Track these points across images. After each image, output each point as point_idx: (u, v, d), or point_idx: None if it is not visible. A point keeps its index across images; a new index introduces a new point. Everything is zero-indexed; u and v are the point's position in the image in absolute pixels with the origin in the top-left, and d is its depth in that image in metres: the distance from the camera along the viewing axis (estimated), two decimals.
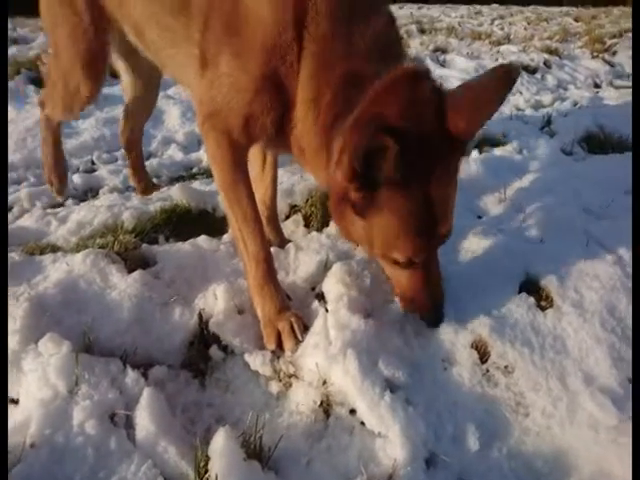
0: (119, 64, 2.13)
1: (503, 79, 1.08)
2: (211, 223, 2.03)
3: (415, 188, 1.13)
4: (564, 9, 17.61)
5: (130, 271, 1.52)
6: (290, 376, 1.28)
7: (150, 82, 2.20)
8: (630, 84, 5.48)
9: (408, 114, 1.10)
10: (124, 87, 2.24)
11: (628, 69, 6.26)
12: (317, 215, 2.07)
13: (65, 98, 1.93)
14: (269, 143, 1.46)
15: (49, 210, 2.12)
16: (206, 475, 0.97)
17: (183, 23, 1.48)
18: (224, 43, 1.30)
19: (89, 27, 1.76)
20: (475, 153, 2.82)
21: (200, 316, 1.41)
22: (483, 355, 1.29)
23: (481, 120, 1.13)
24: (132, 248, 1.67)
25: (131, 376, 1.20)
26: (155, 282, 1.51)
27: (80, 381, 1.14)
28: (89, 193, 2.34)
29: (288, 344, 1.33)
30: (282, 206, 2.12)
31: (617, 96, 4.73)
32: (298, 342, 1.33)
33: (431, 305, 1.31)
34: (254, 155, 1.83)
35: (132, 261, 1.59)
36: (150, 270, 1.57)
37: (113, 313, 1.37)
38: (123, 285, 1.45)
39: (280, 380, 1.28)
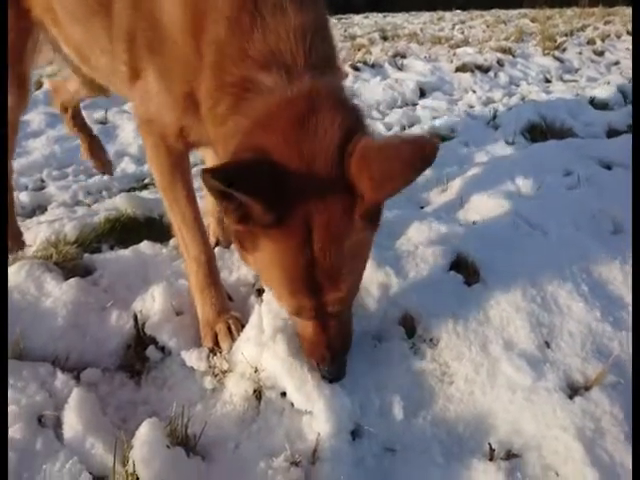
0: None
1: (421, 157, 0.89)
2: (157, 230, 2.05)
3: (293, 239, 0.96)
4: (522, 11, 18.18)
5: (67, 280, 1.53)
6: (224, 371, 1.30)
7: None
8: (577, 78, 5.71)
9: (288, 149, 0.93)
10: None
11: (576, 64, 6.52)
12: None
13: None
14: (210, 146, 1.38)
15: None
16: (128, 464, 0.98)
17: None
18: (149, 61, 1.27)
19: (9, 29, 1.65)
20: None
21: (136, 318, 1.42)
22: (410, 330, 1.33)
23: (391, 189, 0.93)
24: (72, 258, 1.67)
25: (61, 379, 1.20)
26: (92, 288, 1.52)
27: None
28: (37, 210, 2.33)
29: (224, 344, 1.35)
30: None
31: (565, 89, 4.93)
32: (234, 341, 1.35)
33: (326, 358, 1.12)
34: (207, 157, 1.84)
35: (71, 270, 1.60)
36: (88, 278, 1.58)
37: (46, 320, 1.37)
38: (58, 293, 1.45)
39: (215, 375, 1.30)
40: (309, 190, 0.94)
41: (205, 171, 0.86)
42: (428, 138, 0.91)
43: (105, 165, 2.37)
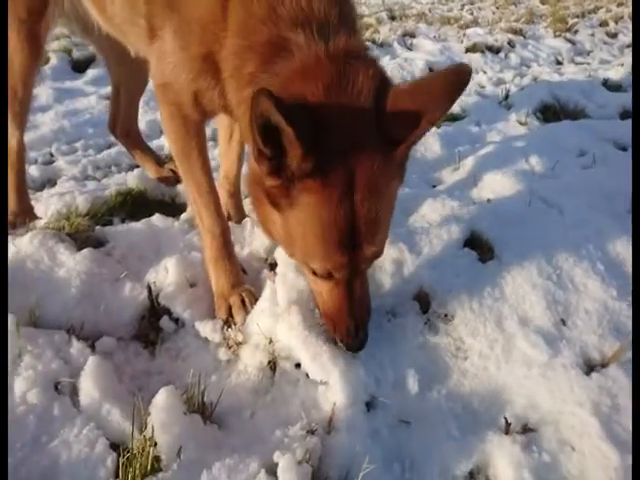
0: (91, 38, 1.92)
1: (454, 81, 0.94)
2: (168, 205, 2.04)
3: (334, 190, 0.95)
4: None
5: (80, 250, 1.52)
6: (238, 343, 1.30)
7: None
8: (589, 61, 5.61)
9: (329, 98, 0.95)
10: (107, 65, 2.12)
11: (588, 46, 6.40)
12: None
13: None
14: (225, 114, 1.38)
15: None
16: (146, 430, 0.99)
17: None
18: (167, 18, 1.25)
19: None
20: (432, 128, 2.86)
21: (150, 289, 1.42)
22: (425, 306, 1.32)
23: (424, 124, 0.96)
24: (84, 230, 1.66)
25: (76, 347, 1.20)
26: (105, 259, 1.51)
27: (23, 353, 1.15)
28: (47, 184, 2.32)
29: (238, 317, 1.35)
30: None
31: (576, 71, 4.84)
32: (248, 314, 1.35)
33: (350, 328, 1.12)
34: (221, 130, 1.82)
35: (83, 242, 1.59)
36: (101, 249, 1.57)
37: (61, 290, 1.37)
38: (72, 263, 1.44)
39: (229, 347, 1.30)
40: (348, 140, 0.95)
41: (261, 91, 0.84)
42: (461, 65, 0.95)
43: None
